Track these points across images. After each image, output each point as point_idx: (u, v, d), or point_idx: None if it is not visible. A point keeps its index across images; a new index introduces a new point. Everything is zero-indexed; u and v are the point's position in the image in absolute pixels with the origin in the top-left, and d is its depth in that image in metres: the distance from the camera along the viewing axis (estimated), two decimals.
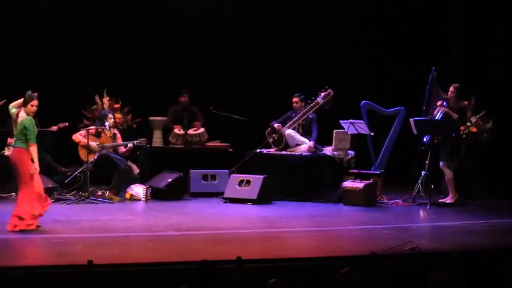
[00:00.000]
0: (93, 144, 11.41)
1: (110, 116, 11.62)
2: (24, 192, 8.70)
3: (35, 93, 8.83)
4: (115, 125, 11.79)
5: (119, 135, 11.77)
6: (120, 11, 12.95)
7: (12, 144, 8.90)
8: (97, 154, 11.42)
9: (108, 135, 11.60)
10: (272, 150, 11.99)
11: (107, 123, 11.46)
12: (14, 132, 8.82)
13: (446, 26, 13.23)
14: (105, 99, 12.50)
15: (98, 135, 11.54)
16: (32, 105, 8.75)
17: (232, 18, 13.28)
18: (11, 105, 8.96)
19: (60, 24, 12.80)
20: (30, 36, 12.66)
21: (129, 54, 13.08)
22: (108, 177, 11.46)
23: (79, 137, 11.39)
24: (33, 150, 8.62)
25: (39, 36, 12.69)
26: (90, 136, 11.31)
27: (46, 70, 12.63)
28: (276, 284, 4.92)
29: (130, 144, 11.53)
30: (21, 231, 8.54)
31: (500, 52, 12.08)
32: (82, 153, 11.38)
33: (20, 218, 8.59)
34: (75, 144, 11.53)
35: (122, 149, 11.57)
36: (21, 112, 8.78)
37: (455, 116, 10.94)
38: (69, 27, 12.85)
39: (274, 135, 11.99)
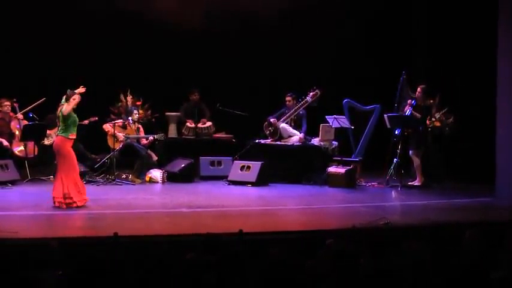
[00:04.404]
0: (120, 134, 11.46)
1: (135, 112, 11.73)
2: (71, 173, 8.72)
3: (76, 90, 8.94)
4: (138, 120, 11.81)
5: (142, 129, 11.81)
6: (140, 26, 12.86)
7: (57, 133, 8.89)
8: (122, 143, 11.44)
9: (133, 128, 11.64)
10: (268, 141, 11.98)
11: (130, 118, 11.54)
12: (58, 125, 8.86)
13: (415, 34, 13.19)
14: (129, 98, 12.51)
15: (124, 127, 11.61)
16: (74, 99, 8.80)
17: (235, 30, 13.23)
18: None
19: (91, 35, 12.74)
20: (67, 44, 12.58)
21: (149, 59, 13.03)
22: (131, 162, 11.47)
23: (108, 127, 11.48)
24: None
25: (74, 44, 12.62)
26: (117, 127, 11.38)
27: (78, 72, 12.57)
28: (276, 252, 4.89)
29: (151, 137, 11.57)
30: (64, 208, 8.58)
31: (461, 57, 12.04)
32: (110, 142, 11.44)
33: (68, 197, 8.63)
34: (104, 135, 11.55)
35: (144, 141, 11.60)
36: (65, 106, 8.84)
37: (418, 116, 10.94)
38: (98, 37, 12.79)
39: (270, 128, 11.98)
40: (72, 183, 8.68)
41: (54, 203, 8.65)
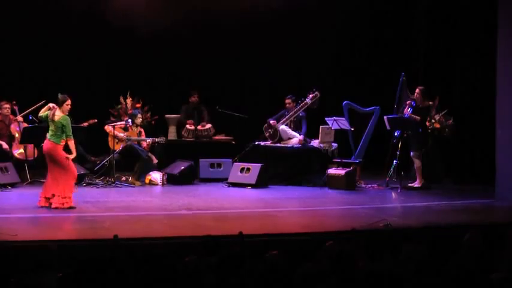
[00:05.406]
0: (121, 134, 11.46)
1: (139, 115, 11.68)
2: (65, 175, 8.69)
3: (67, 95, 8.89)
4: (140, 123, 11.78)
5: (143, 133, 11.78)
6: (140, 28, 12.83)
7: (48, 137, 8.85)
8: (122, 145, 11.43)
9: (135, 131, 11.63)
10: (268, 143, 11.96)
11: (129, 120, 11.50)
12: (50, 128, 8.82)
13: (415, 37, 13.19)
14: (128, 100, 12.52)
15: (125, 129, 11.59)
16: (67, 104, 8.81)
17: (235, 32, 13.22)
18: (40, 112, 8.98)
19: (91, 37, 12.72)
20: (67, 46, 12.57)
21: (148, 61, 13.02)
22: (131, 165, 11.45)
23: (110, 127, 11.42)
24: (72, 143, 8.68)
25: (74, 46, 12.61)
26: (118, 129, 11.39)
27: (78, 75, 12.59)
28: (275, 255, 4.87)
29: (149, 140, 11.53)
30: (58, 208, 8.56)
31: (461, 58, 12.05)
32: (111, 143, 11.41)
33: (64, 197, 8.62)
34: (104, 137, 11.51)
35: (144, 144, 11.57)
36: (57, 111, 8.77)
37: (417, 119, 10.91)
38: (97, 39, 12.76)
39: (270, 130, 11.96)
40: (69, 184, 8.71)
41: (50, 204, 8.66)
